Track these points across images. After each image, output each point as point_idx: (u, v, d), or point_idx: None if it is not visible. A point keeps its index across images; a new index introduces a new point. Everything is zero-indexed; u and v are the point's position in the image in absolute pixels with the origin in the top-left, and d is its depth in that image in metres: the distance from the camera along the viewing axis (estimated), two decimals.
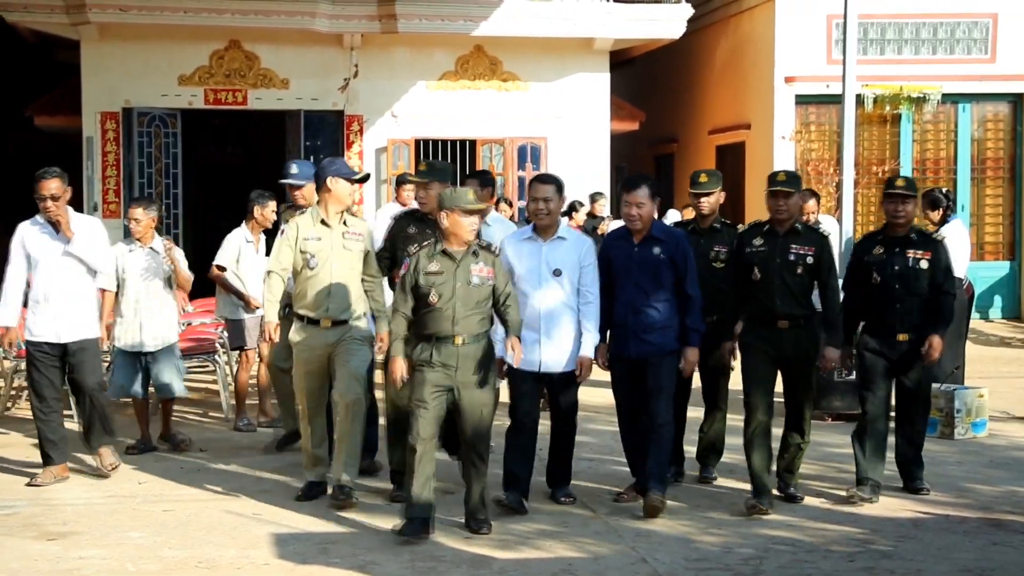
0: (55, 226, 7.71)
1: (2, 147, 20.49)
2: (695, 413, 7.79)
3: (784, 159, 15.62)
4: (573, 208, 13.97)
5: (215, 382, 10.72)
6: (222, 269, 9.64)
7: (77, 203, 14.11)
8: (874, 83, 15.76)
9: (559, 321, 7.02)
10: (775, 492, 7.24)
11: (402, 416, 6.97)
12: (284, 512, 7.05)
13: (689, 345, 7.04)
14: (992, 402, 9.70)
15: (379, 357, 7.24)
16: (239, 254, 9.61)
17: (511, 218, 12.82)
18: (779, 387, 7.29)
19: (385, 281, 7.50)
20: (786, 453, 7.38)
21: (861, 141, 15.73)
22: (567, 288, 7.04)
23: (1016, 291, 16.79)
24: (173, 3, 14.41)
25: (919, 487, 7.51)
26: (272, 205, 9.48)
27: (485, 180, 8.60)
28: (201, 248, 15.27)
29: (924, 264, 7.36)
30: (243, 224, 9.76)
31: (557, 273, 7.02)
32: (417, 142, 15.59)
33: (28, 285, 7.85)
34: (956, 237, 10.32)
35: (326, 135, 15.59)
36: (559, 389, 7.12)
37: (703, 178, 7.74)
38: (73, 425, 8.63)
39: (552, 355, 7.02)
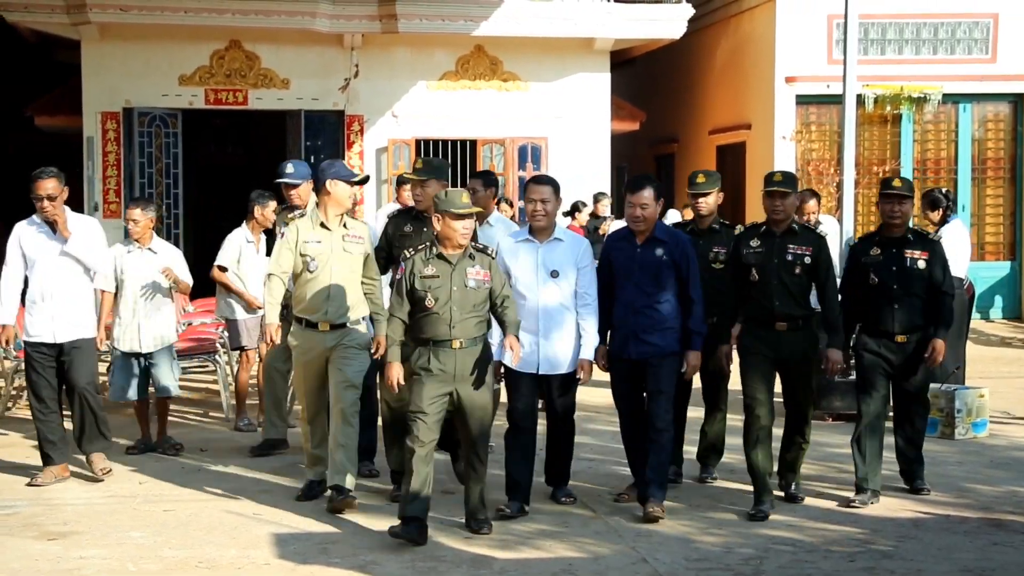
0: (52, 226, 7.70)
1: (2, 147, 20.50)
2: (695, 413, 7.78)
3: (785, 159, 15.62)
4: (576, 208, 13.98)
5: (215, 382, 10.72)
6: (223, 269, 9.64)
7: (78, 203, 14.16)
8: (875, 83, 15.75)
9: (556, 322, 7.01)
10: (777, 493, 7.24)
11: (398, 417, 6.97)
12: (284, 512, 7.05)
13: (691, 349, 7.01)
14: (993, 402, 9.69)
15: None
16: (240, 254, 9.61)
17: (512, 218, 12.82)
18: (778, 387, 7.29)
19: (385, 279, 7.48)
20: (787, 454, 7.37)
21: (862, 141, 15.73)
22: (564, 289, 7.03)
23: (1017, 291, 16.78)
24: (174, 3, 14.41)
25: (920, 487, 7.51)
26: (272, 205, 9.48)
27: (489, 180, 8.59)
28: (201, 248, 15.28)
29: (922, 264, 7.34)
30: (243, 224, 9.76)
31: (554, 274, 7.00)
32: (418, 142, 15.59)
33: (26, 285, 7.84)
34: (956, 237, 10.32)
35: (327, 135, 15.60)
36: (557, 390, 7.10)
37: (701, 179, 7.73)
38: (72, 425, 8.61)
39: (550, 356, 7.01)
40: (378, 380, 7.34)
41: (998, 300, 16.74)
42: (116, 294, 8.46)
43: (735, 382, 7.57)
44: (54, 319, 7.72)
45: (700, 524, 6.84)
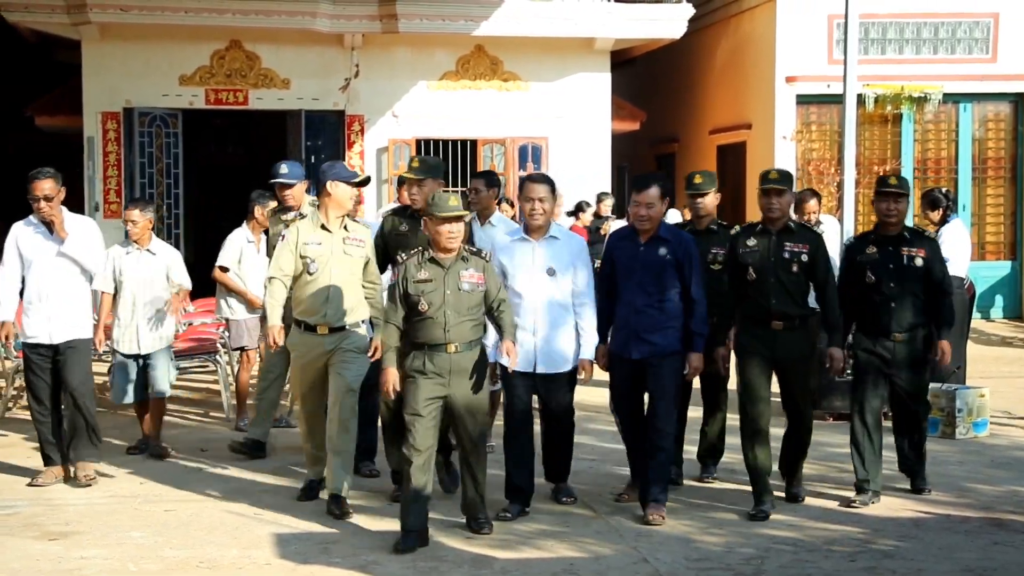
0: (49, 226, 7.68)
1: (2, 147, 20.49)
2: (695, 413, 7.77)
3: (785, 159, 15.62)
4: (580, 208, 13.97)
5: (216, 382, 10.72)
6: (225, 270, 9.65)
7: (78, 203, 14.17)
8: (875, 83, 15.75)
9: (553, 320, 6.98)
10: (778, 493, 7.23)
11: (398, 417, 6.95)
12: (285, 512, 7.05)
13: (693, 350, 6.95)
14: (993, 402, 9.69)
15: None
16: (241, 254, 9.62)
17: (513, 218, 12.81)
18: (777, 387, 7.28)
19: (385, 278, 7.46)
20: (788, 455, 7.35)
21: (862, 141, 15.73)
22: (561, 287, 7.00)
23: (1017, 291, 16.78)
24: (174, 3, 14.42)
25: (921, 487, 7.51)
26: (273, 205, 9.47)
27: (491, 181, 8.58)
28: (202, 248, 15.30)
29: (919, 261, 7.32)
30: (244, 224, 9.77)
31: (551, 272, 6.98)
32: (418, 142, 15.59)
33: (23, 285, 7.82)
34: (956, 237, 10.32)
35: (327, 135, 15.60)
36: (555, 389, 7.04)
37: (698, 179, 7.70)
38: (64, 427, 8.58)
39: (547, 355, 6.97)
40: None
41: (999, 300, 16.75)
42: (115, 295, 8.44)
43: (735, 382, 7.56)
44: (50, 320, 7.69)
45: (701, 524, 6.84)
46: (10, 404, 10.19)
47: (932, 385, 8.25)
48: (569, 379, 7.10)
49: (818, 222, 10.58)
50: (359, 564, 6.08)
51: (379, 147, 15.68)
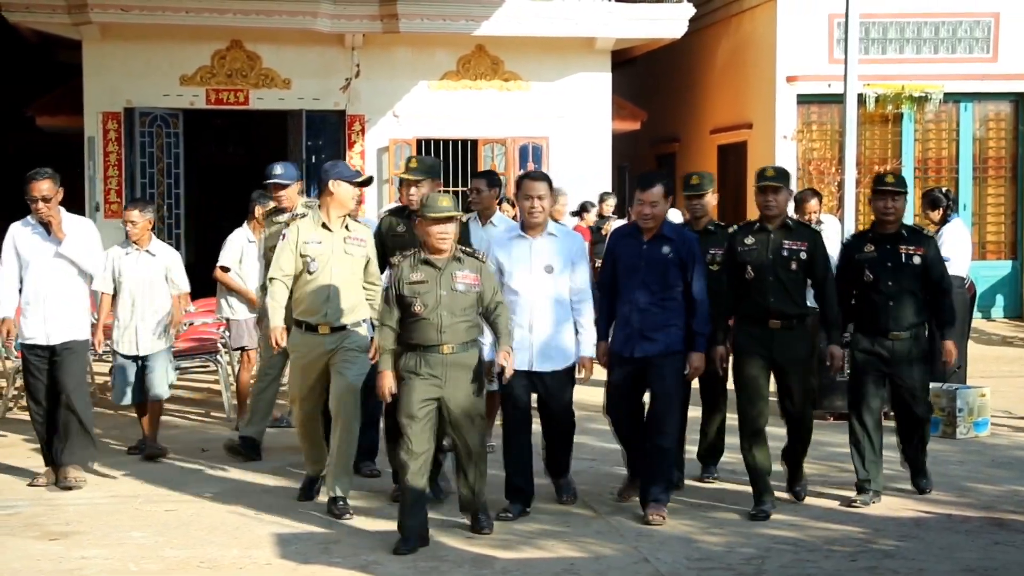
0: (47, 227, 7.67)
1: (3, 147, 20.50)
2: (695, 413, 7.76)
3: (786, 159, 15.61)
4: (584, 209, 13.96)
5: (217, 382, 10.72)
6: (226, 270, 9.66)
7: (79, 203, 14.18)
8: (876, 82, 15.75)
9: (550, 318, 6.95)
10: (780, 494, 7.22)
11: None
12: (286, 512, 7.05)
13: (695, 350, 6.91)
14: (994, 402, 9.69)
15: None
16: (241, 254, 9.62)
17: (514, 218, 12.80)
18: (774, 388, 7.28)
19: (385, 278, 7.45)
20: (788, 456, 7.32)
21: (863, 140, 15.71)
22: (559, 284, 6.97)
23: (1018, 290, 16.78)
24: (174, 3, 14.42)
25: (924, 487, 7.49)
26: (273, 205, 9.46)
27: (492, 180, 8.59)
28: (203, 248, 15.29)
29: (917, 260, 7.29)
30: (244, 224, 9.77)
31: (549, 269, 6.96)
32: (419, 142, 15.59)
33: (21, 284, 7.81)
34: (957, 236, 10.33)
35: (328, 135, 15.60)
36: (552, 388, 7.00)
37: (695, 179, 7.69)
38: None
39: (543, 352, 6.93)
40: None
41: (999, 299, 16.74)
42: (114, 296, 8.43)
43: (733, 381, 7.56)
44: (47, 321, 7.67)
45: (701, 524, 6.84)
46: (11, 404, 10.18)
47: (933, 385, 8.24)
48: (568, 377, 7.07)
49: (819, 222, 10.58)
50: (360, 564, 6.08)
51: (380, 147, 15.68)
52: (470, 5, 15.07)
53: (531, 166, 15.60)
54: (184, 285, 8.66)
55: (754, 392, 7.08)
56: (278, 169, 8.56)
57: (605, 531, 6.71)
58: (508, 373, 6.49)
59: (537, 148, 15.90)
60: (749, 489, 7.16)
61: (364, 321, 7.14)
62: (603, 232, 13.17)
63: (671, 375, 6.87)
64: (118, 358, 8.51)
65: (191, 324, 10.92)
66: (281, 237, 7.21)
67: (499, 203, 9.54)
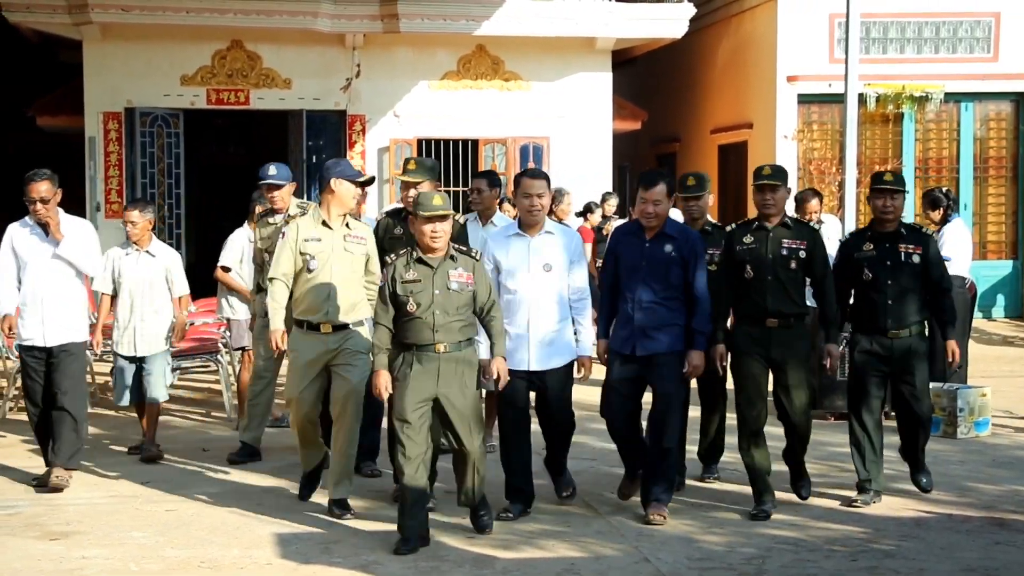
0: (45, 228, 7.65)
1: (3, 147, 20.50)
2: (695, 413, 7.75)
3: (786, 158, 15.61)
4: (589, 210, 13.96)
5: (218, 382, 10.72)
6: (227, 270, 9.65)
7: (79, 203, 14.19)
8: (876, 82, 15.75)
9: (549, 317, 6.93)
10: (782, 495, 7.22)
11: None
12: (286, 512, 7.05)
13: (694, 348, 6.87)
14: (995, 401, 9.69)
15: None
16: (242, 254, 9.61)
17: (514, 218, 12.80)
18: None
19: None
20: (789, 457, 7.30)
21: (863, 140, 15.72)
22: (556, 282, 6.95)
23: (1019, 290, 16.78)
24: (175, 3, 14.42)
25: (925, 485, 7.48)
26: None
27: (493, 180, 8.58)
28: (203, 248, 15.30)
29: (916, 258, 7.27)
30: (245, 224, 9.76)
31: (546, 268, 6.94)
32: (419, 142, 15.60)
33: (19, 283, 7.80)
34: (958, 236, 10.33)
35: (328, 135, 15.60)
36: (551, 387, 6.97)
37: (691, 181, 7.68)
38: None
39: (542, 353, 6.90)
40: None
41: (1000, 299, 16.74)
42: (114, 297, 8.42)
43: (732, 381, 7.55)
44: (44, 322, 7.65)
45: (702, 524, 6.84)
46: (11, 405, 10.18)
47: (933, 384, 8.24)
48: (567, 376, 7.04)
49: (820, 222, 10.58)
50: (360, 564, 6.08)
51: (380, 147, 15.69)
52: (470, 5, 15.07)
53: (531, 166, 15.58)
54: (183, 287, 8.63)
55: (753, 392, 7.07)
56: (272, 170, 8.51)
57: (606, 531, 6.71)
58: (502, 384, 6.49)
59: (538, 148, 15.90)
60: (749, 489, 7.15)
61: (366, 321, 7.10)
62: (604, 232, 13.17)
63: (673, 374, 6.85)
64: (118, 359, 8.50)
65: (192, 324, 10.92)
66: (280, 235, 7.15)
67: (500, 203, 9.55)
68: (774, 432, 7.24)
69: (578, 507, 7.16)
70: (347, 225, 7.07)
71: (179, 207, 15.27)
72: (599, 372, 7.15)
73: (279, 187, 8.49)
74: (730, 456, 7.86)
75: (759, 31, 16.60)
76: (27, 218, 7.72)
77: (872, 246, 7.33)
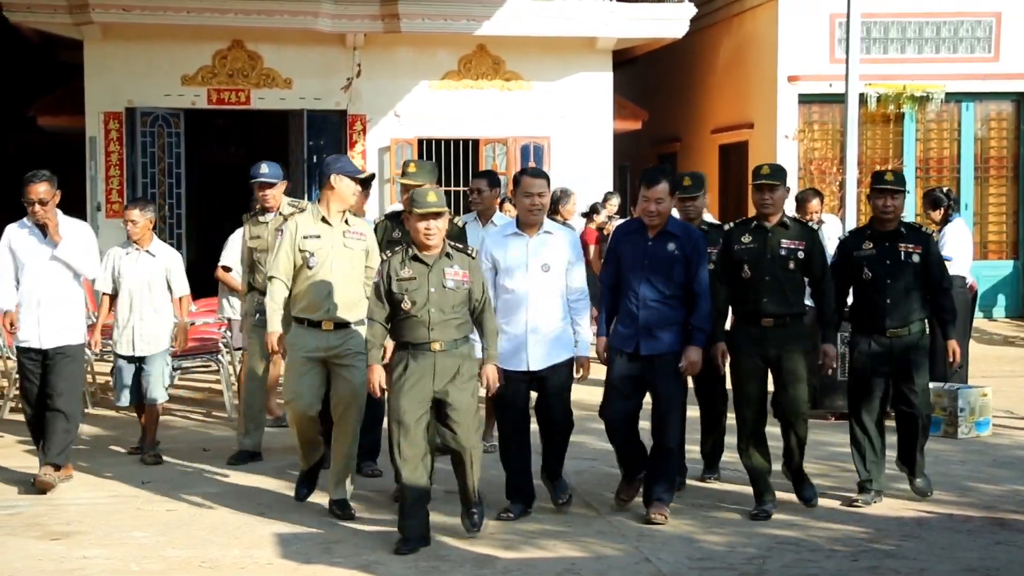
0: (43, 230, 7.64)
1: (3, 147, 20.50)
2: (695, 412, 7.75)
3: (787, 158, 15.60)
4: (594, 210, 13.96)
5: (218, 382, 10.72)
6: (228, 269, 9.65)
7: (80, 203, 14.19)
8: (877, 82, 15.75)
9: (547, 318, 6.90)
10: (784, 495, 7.21)
11: None
12: (287, 512, 7.05)
13: (693, 344, 6.84)
14: (996, 401, 9.69)
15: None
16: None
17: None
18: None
19: None
20: (788, 458, 7.27)
21: (864, 140, 15.72)
22: (555, 282, 6.93)
23: (1020, 290, 16.78)
24: (176, 3, 14.42)
25: (924, 490, 7.46)
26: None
27: (493, 180, 8.58)
28: (204, 248, 15.29)
29: (916, 258, 7.26)
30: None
31: (545, 268, 6.92)
32: (420, 142, 15.59)
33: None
34: (958, 236, 10.34)
35: (329, 135, 15.59)
36: (550, 387, 6.94)
37: (687, 181, 7.64)
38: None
39: (541, 353, 6.88)
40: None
41: (1001, 299, 16.74)
42: (114, 297, 8.42)
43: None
44: (40, 323, 7.64)
45: (703, 523, 6.84)
46: (11, 404, 10.17)
47: (934, 384, 8.24)
48: (566, 376, 7.01)
49: (820, 222, 10.58)
50: (361, 564, 6.08)
51: (381, 147, 15.68)
52: (471, 5, 15.07)
53: (532, 166, 15.59)
54: (183, 288, 8.59)
55: (751, 393, 7.06)
56: (264, 168, 8.45)
57: (606, 531, 6.70)
58: (492, 392, 6.49)
59: (538, 148, 15.90)
60: (750, 489, 7.15)
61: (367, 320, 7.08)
62: (605, 232, 13.16)
63: (676, 374, 6.83)
64: (118, 359, 8.50)
65: (192, 324, 10.92)
66: (279, 233, 7.07)
67: (500, 203, 9.54)
68: (774, 432, 7.23)
69: (579, 507, 7.15)
70: (346, 222, 7.02)
71: (180, 207, 15.27)
72: (598, 372, 7.14)
73: (271, 185, 8.42)
74: (730, 456, 7.85)
75: (760, 31, 16.59)
76: (26, 219, 7.70)
77: (872, 245, 7.32)
